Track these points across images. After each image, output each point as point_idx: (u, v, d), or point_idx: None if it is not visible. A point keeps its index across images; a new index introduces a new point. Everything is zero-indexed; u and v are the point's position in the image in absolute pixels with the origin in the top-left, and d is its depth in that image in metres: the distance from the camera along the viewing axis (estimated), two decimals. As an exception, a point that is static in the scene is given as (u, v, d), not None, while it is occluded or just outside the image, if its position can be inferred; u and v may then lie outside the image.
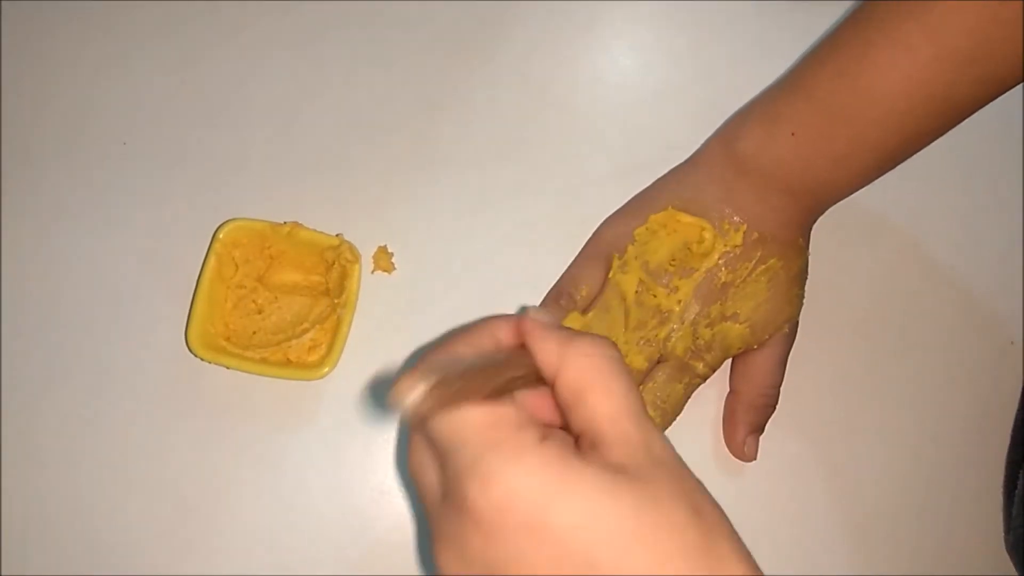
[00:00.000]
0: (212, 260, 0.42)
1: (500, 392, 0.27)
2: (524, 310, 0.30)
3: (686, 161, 0.44)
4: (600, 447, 0.26)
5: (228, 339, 0.43)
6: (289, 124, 0.47)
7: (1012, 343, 0.46)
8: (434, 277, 0.45)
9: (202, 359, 0.41)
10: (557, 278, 0.44)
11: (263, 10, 0.48)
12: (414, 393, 0.24)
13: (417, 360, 0.25)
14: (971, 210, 0.47)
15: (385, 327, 0.44)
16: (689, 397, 0.42)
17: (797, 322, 0.43)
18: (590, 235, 0.44)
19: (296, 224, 0.43)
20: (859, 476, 0.44)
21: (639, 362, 0.41)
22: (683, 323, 0.41)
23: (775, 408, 0.43)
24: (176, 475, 0.43)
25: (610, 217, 0.44)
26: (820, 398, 0.44)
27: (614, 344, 0.29)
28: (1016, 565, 0.41)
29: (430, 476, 0.28)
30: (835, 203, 0.42)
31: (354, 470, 0.43)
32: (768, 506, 0.43)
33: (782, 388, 0.43)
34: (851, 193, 0.42)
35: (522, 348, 0.29)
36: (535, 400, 0.29)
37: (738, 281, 0.41)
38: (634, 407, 0.27)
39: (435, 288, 0.45)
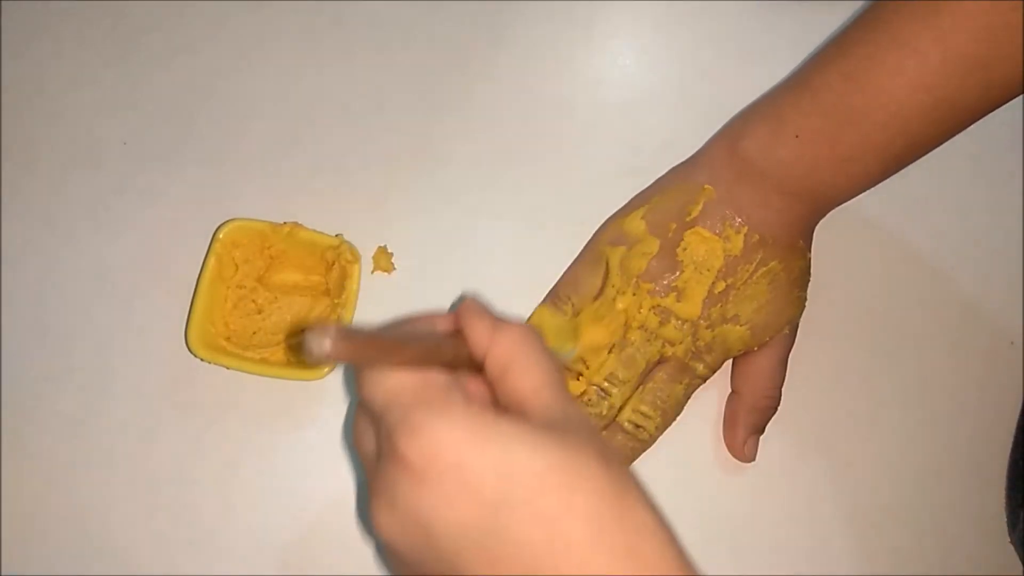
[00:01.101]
0: (212, 260, 0.42)
1: (432, 367, 0.29)
2: (460, 300, 0.33)
3: (688, 160, 0.44)
4: (523, 415, 0.29)
5: (228, 339, 0.43)
6: (289, 124, 0.47)
7: (1012, 343, 0.46)
8: (434, 277, 0.45)
9: (202, 359, 0.41)
10: (557, 277, 0.44)
11: (263, 10, 0.48)
12: (326, 337, 0.25)
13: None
14: (971, 210, 0.47)
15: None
16: (689, 398, 0.42)
17: (797, 324, 0.43)
18: (591, 235, 0.44)
19: (296, 224, 0.43)
20: (859, 476, 0.44)
21: (639, 362, 0.41)
22: (683, 324, 0.41)
23: (776, 410, 0.43)
24: (176, 475, 0.43)
25: (610, 218, 0.44)
26: (820, 398, 0.44)
27: (536, 329, 0.32)
28: (1023, 559, 0.41)
29: (368, 441, 0.31)
30: (837, 206, 0.42)
31: (354, 470, 0.43)
32: (768, 506, 0.43)
33: (782, 388, 0.43)
34: (854, 196, 0.42)
35: (457, 334, 0.31)
36: (467, 382, 0.32)
37: (738, 283, 0.41)
38: (554, 380, 0.30)
39: (435, 288, 0.45)
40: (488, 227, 0.45)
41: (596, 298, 0.42)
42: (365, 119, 0.47)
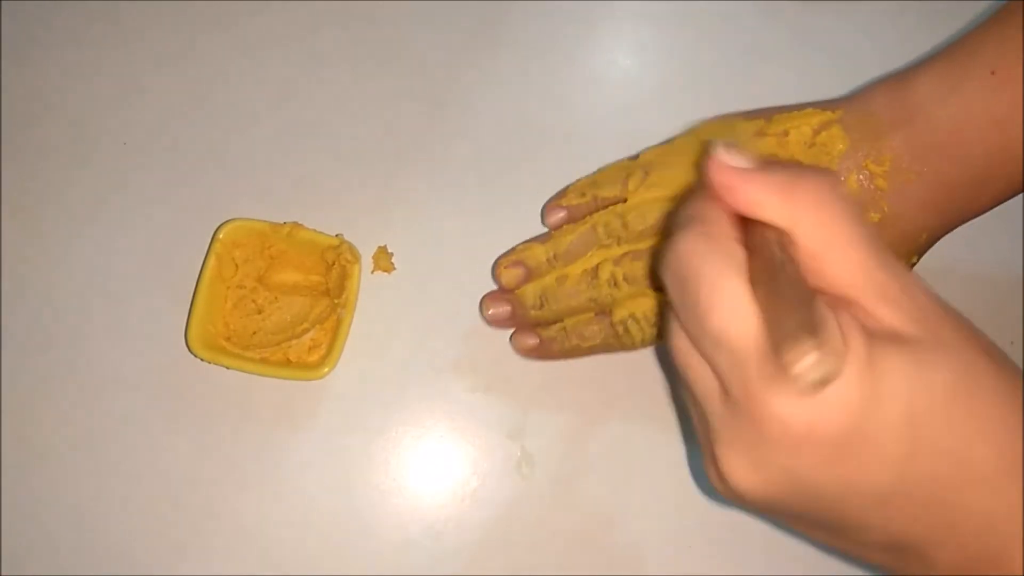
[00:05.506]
0: (212, 260, 0.43)
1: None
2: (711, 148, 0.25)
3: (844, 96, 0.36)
4: (860, 309, 0.24)
5: (228, 339, 0.43)
6: (289, 124, 0.47)
7: (1012, 343, 0.46)
8: (434, 277, 0.45)
9: (202, 359, 0.41)
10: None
11: (263, 9, 0.48)
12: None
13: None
14: (971, 210, 0.47)
15: (385, 327, 0.44)
16: None
17: None
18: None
19: (296, 224, 0.43)
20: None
21: None
22: None
23: None
24: (176, 475, 0.43)
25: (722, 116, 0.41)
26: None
27: (835, 178, 0.25)
28: None
29: (704, 373, 0.25)
30: (992, 206, 0.34)
31: (354, 470, 0.43)
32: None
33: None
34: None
35: (710, 195, 0.25)
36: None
37: None
38: (879, 254, 0.24)
39: (435, 288, 0.45)
40: (488, 227, 0.45)
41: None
42: (365, 119, 0.47)
